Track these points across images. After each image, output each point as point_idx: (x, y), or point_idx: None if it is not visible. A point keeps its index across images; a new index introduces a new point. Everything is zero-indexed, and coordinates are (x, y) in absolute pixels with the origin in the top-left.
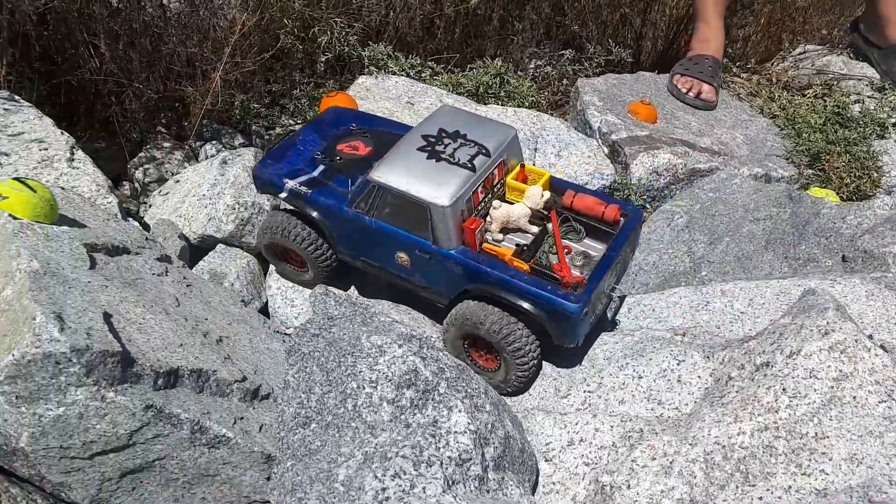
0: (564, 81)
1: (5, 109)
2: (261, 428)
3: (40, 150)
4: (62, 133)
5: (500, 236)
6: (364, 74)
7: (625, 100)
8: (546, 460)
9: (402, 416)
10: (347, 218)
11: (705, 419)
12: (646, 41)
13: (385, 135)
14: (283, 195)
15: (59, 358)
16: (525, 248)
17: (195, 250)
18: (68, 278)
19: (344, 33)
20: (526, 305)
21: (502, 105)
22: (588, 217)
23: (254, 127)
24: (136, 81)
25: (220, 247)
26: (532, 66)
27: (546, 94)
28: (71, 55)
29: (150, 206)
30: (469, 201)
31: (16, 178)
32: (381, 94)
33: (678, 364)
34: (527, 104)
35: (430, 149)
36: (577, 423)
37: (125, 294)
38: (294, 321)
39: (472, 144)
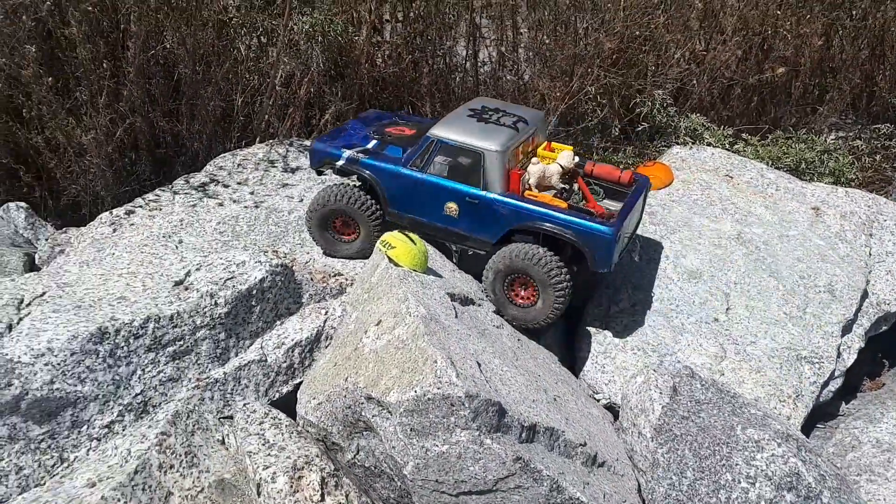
0: (877, 157)
1: None
2: (604, 496)
3: None
4: None
5: (536, 192)
6: (678, 145)
7: None
8: None
9: None
10: (402, 175)
11: None
12: None
13: (427, 124)
14: (341, 162)
15: (454, 400)
16: (559, 196)
17: None
18: (444, 325)
19: (665, 104)
20: (569, 234)
21: (826, 183)
22: (606, 181)
23: None
24: None
25: None
26: (833, 137)
27: (854, 169)
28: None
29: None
30: (514, 156)
31: (400, 231)
32: (696, 165)
33: None
34: (843, 180)
35: (477, 116)
36: None
37: (483, 344)
38: (604, 387)
39: (513, 116)
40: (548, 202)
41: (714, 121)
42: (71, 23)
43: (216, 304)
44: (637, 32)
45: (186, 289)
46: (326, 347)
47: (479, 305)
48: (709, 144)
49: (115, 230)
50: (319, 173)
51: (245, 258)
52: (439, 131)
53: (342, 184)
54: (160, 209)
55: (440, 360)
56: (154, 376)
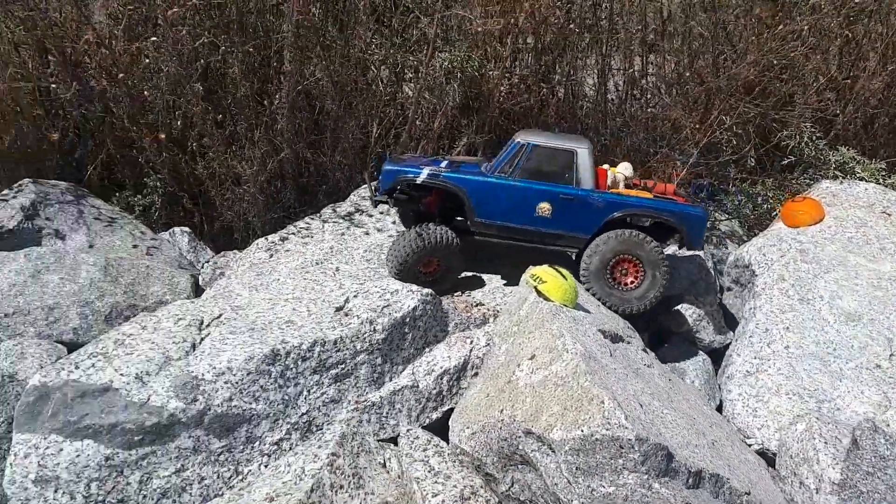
0: None
1: None
2: None
3: None
4: None
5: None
6: (828, 179)
7: None
8: None
9: None
10: (490, 183)
11: None
12: None
13: (483, 157)
14: (423, 176)
15: (623, 443)
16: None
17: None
18: (602, 363)
19: (814, 138)
20: (667, 216)
21: None
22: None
23: None
24: None
25: (673, 338)
26: None
27: None
28: None
29: None
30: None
31: (551, 266)
32: (849, 200)
33: None
34: None
35: (545, 132)
36: None
37: (641, 385)
38: (756, 432)
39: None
40: (636, 195)
41: (857, 152)
42: (232, 62)
43: (374, 330)
44: (774, 61)
45: (346, 315)
46: (473, 376)
47: (629, 343)
48: (861, 179)
49: (271, 255)
50: (375, 204)
51: (398, 287)
52: (527, 137)
53: (427, 228)
54: (311, 237)
55: (607, 400)
56: (318, 397)
